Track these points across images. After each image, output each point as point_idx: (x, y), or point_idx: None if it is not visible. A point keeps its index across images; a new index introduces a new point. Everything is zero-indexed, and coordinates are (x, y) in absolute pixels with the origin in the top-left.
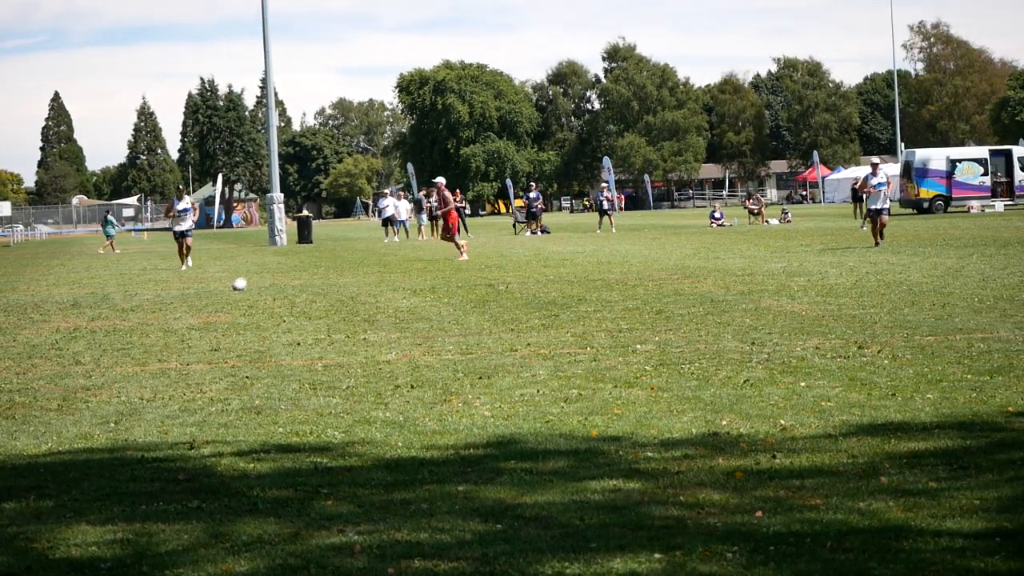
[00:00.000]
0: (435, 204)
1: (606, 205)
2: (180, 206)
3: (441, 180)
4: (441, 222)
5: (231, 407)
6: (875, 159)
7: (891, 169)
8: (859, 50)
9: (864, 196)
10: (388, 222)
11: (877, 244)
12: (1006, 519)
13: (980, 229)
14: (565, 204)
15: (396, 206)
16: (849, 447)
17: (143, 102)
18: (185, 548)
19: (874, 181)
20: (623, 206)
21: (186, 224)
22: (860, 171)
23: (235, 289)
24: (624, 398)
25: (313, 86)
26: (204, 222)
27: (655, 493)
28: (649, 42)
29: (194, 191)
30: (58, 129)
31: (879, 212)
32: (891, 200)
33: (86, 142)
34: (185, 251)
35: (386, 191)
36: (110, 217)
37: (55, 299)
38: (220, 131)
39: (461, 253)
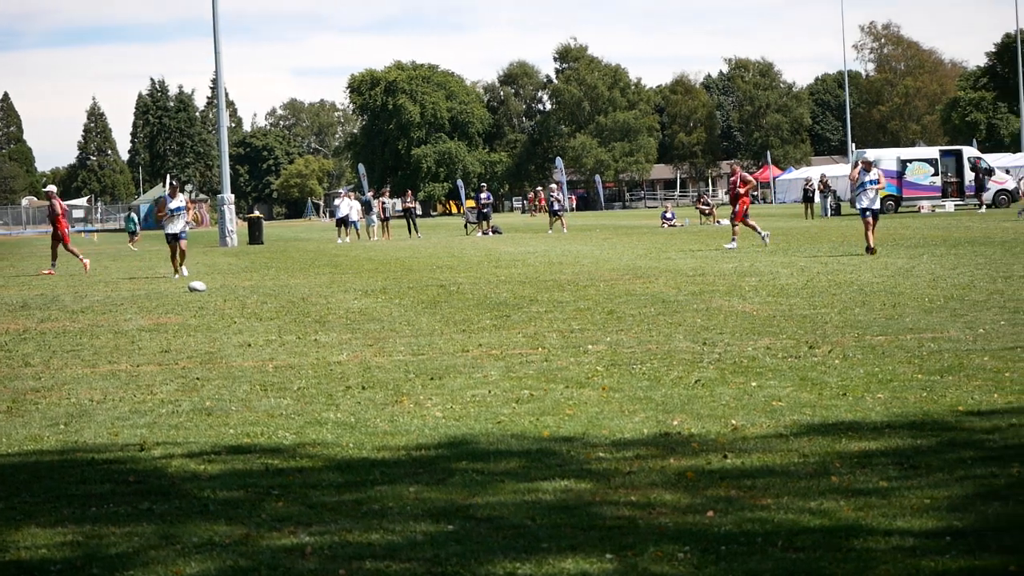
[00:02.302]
0: (388, 204)
1: (556, 206)
2: (173, 204)
3: (51, 188)
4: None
5: (181, 408)
6: (868, 156)
7: (842, 170)
8: (810, 51)
9: (854, 192)
10: (342, 222)
11: (870, 249)
12: (956, 518)
13: (930, 229)
14: (516, 205)
15: (351, 206)
16: (800, 447)
17: (93, 103)
18: (136, 550)
19: (867, 178)
20: (574, 207)
21: (179, 225)
22: (811, 171)
23: (192, 290)
24: (576, 398)
25: (264, 87)
26: (155, 223)
27: (607, 493)
28: (600, 43)
29: (144, 192)
30: (7, 130)
31: (873, 212)
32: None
33: (36, 143)
34: (180, 257)
35: (341, 191)
36: (132, 215)
37: (3, 300)
38: (170, 132)
39: (82, 263)
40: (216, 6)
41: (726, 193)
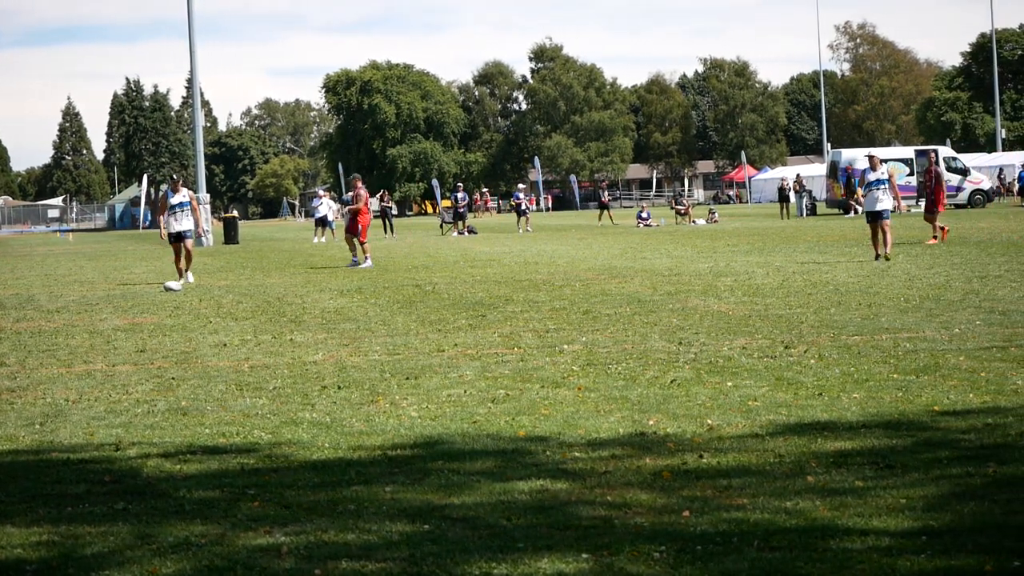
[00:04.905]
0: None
1: (522, 206)
2: (175, 199)
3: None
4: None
5: (157, 408)
6: (873, 151)
7: (818, 170)
8: (785, 50)
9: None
10: (321, 222)
11: (878, 256)
12: (932, 518)
13: (905, 229)
14: (492, 205)
15: (329, 207)
16: (776, 446)
17: (68, 102)
18: (111, 550)
19: (872, 177)
20: (550, 206)
21: (185, 223)
22: (787, 171)
23: (168, 290)
24: (551, 398)
25: (239, 86)
26: (130, 223)
27: (582, 493)
28: (576, 43)
29: (120, 192)
30: None
31: (879, 216)
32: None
33: (10, 143)
34: (185, 258)
35: (319, 191)
36: None
37: None
38: (146, 131)
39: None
40: (191, 6)
41: (346, 211)
